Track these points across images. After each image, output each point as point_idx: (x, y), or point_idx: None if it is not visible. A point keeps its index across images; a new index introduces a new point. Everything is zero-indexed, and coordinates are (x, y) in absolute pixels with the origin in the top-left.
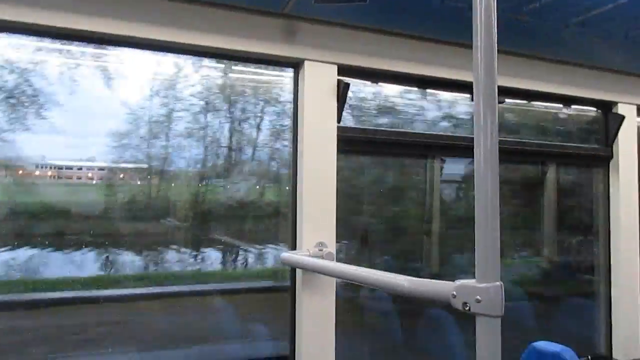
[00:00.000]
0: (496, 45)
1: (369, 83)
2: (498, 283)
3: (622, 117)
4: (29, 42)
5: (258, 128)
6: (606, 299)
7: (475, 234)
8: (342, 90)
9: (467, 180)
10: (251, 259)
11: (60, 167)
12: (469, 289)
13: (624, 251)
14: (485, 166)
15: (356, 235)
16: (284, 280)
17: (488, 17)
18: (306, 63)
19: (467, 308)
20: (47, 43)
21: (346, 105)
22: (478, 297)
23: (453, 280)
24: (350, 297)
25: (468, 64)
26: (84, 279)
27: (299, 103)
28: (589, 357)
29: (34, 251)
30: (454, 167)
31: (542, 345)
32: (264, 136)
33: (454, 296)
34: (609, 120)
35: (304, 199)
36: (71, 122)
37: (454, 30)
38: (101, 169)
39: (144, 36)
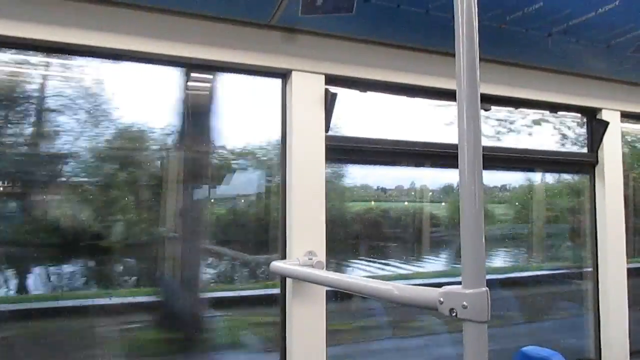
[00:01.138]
0: (478, 53)
1: None
2: (484, 289)
3: (607, 124)
4: None
5: None
6: (594, 304)
7: (461, 240)
8: (330, 100)
9: None
10: None
11: None
12: (455, 295)
13: (611, 256)
14: (469, 173)
15: None
16: None
17: (470, 26)
18: (293, 73)
19: (454, 314)
20: None
21: None
22: (464, 303)
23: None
24: None
25: (453, 72)
26: None
27: (287, 113)
28: None
29: None
30: None
31: (532, 350)
32: None
33: (441, 302)
34: (593, 127)
35: (293, 208)
36: None
37: (439, 40)
38: None
39: (130, 48)
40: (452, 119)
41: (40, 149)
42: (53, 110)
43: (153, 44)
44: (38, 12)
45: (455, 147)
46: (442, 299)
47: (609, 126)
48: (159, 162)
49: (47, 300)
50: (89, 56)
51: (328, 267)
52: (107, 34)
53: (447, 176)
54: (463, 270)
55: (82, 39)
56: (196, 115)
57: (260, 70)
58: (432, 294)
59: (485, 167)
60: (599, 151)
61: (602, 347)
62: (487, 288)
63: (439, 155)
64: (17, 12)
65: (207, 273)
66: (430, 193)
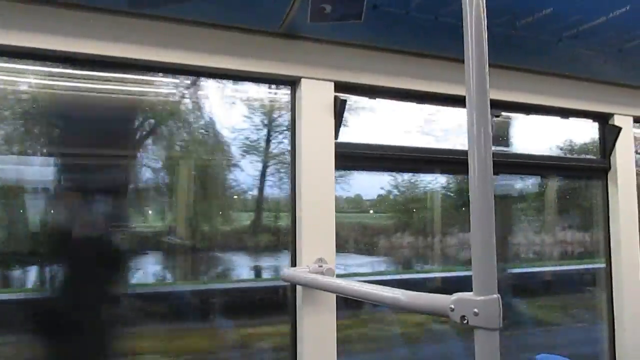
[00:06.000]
0: (487, 59)
1: None
2: (495, 296)
3: (619, 129)
4: None
5: None
6: (608, 311)
7: (472, 247)
8: (339, 107)
9: None
10: None
11: None
12: (466, 302)
13: (625, 263)
14: (479, 179)
15: None
16: None
17: (479, 32)
18: (303, 81)
19: (466, 321)
20: None
21: None
22: (475, 309)
23: None
24: None
25: (462, 78)
26: None
27: (296, 120)
28: None
29: None
30: None
31: (546, 358)
32: None
33: (452, 309)
34: (606, 132)
35: (302, 215)
36: None
37: (448, 46)
38: None
39: (140, 57)
40: None
41: None
42: None
43: (162, 53)
44: (49, 21)
45: (465, 153)
46: (453, 306)
47: (622, 132)
48: None
49: None
50: (99, 67)
51: None
52: (116, 44)
53: None
54: (474, 277)
55: (85, 49)
56: None
57: (270, 78)
58: (443, 301)
59: (496, 173)
60: (611, 157)
61: (617, 356)
62: (499, 295)
63: (449, 162)
64: (19, 22)
65: None
66: None
